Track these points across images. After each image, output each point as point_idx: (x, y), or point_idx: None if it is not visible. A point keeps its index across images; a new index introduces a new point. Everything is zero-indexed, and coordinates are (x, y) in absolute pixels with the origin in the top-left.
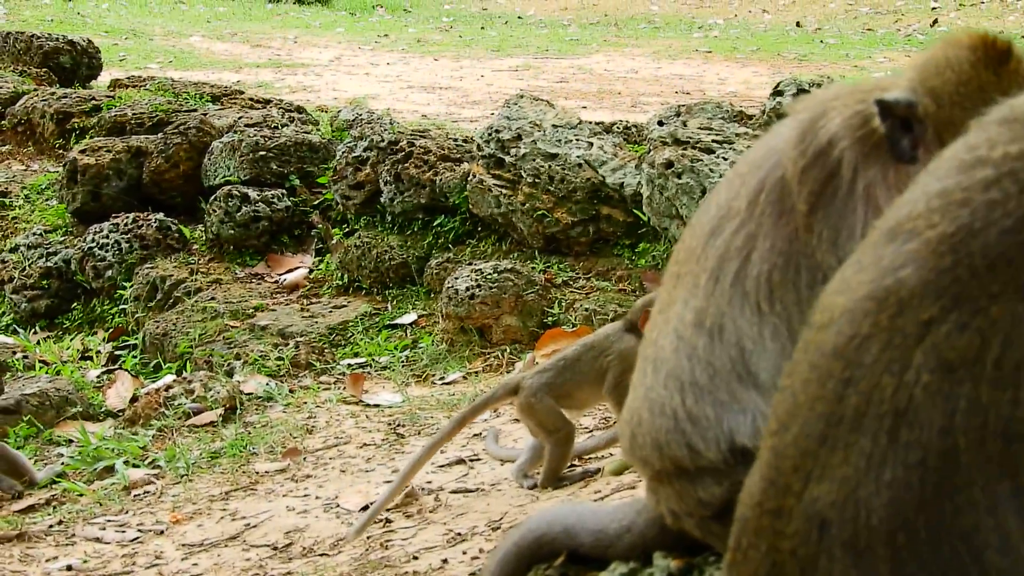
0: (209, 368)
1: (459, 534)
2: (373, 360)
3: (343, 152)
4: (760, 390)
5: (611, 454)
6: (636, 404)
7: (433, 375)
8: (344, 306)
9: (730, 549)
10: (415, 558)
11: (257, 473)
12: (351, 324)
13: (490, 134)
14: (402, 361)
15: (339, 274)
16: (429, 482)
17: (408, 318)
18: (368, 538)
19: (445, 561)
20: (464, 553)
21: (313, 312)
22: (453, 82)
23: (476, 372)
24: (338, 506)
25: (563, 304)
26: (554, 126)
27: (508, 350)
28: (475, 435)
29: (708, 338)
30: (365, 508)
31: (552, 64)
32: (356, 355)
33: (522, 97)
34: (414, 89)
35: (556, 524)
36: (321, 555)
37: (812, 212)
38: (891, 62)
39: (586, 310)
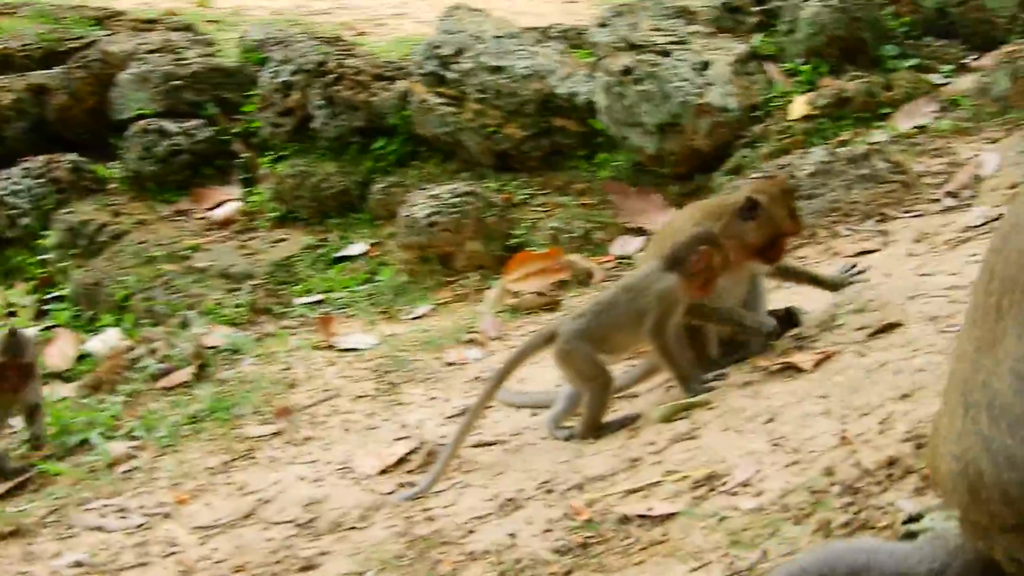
0: (151, 317)
1: (509, 499)
2: (329, 297)
3: (268, 78)
4: None
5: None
6: (971, 455)
7: (400, 310)
8: (284, 240)
9: None
10: (471, 532)
11: (250, 438)
12: (296, 259)
13: (430, 50)
14: (363, 296)
15: (273, 205)
16: (443, 437)
17: (357, 248)
18: (397, 507)
19: (513, 536)
20: (529, 524)
21: (253, 248)
22: None
23: (445, 303)
24: (353, 471)
25: (526, 224)
26: (495, 37)
27: (474, 277)
28: (475, 378)
29: None
30: (384, 472)
31: None
32: (309, 292)
33: (458, 8)
34: None
35: (840, 565)
36: (351, 529)
37: None
38: None
39: (552, 229)
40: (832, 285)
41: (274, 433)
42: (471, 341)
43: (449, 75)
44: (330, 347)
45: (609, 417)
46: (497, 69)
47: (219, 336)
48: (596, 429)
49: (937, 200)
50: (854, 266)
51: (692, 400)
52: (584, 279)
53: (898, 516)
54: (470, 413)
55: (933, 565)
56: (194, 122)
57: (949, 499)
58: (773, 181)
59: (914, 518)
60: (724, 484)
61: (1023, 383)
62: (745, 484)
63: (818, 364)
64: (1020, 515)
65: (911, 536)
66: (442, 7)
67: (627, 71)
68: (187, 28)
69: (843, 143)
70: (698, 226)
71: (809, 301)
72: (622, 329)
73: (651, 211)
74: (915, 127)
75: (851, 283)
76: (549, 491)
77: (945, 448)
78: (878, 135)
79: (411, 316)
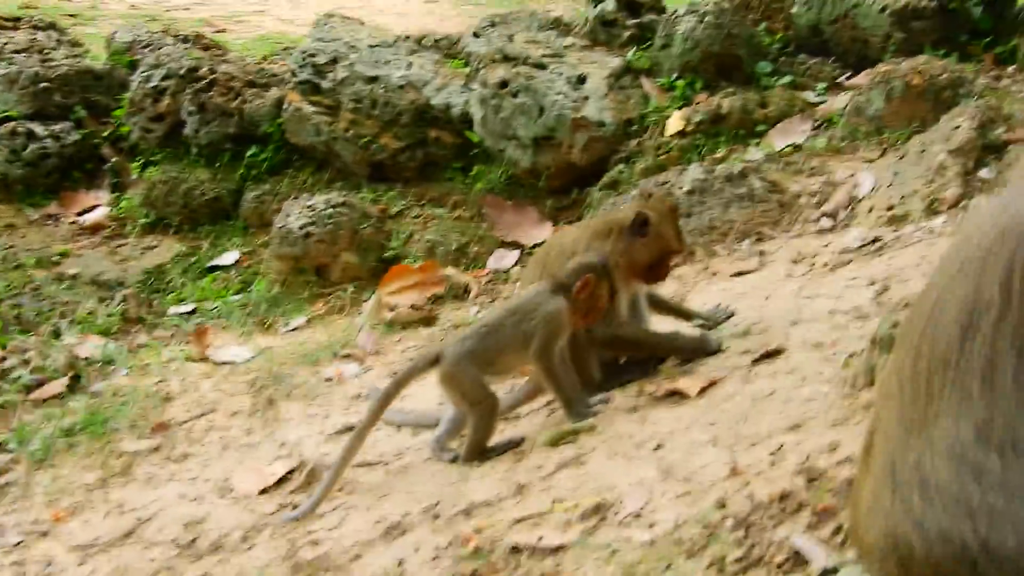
0: (20, 324)
1: (395, 523)
2: (203, 307)
3: (139, 82)
4: None
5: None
6: (900, 530)
7: (275, 321)
8: (155, 247)
9: None
10: (358, 557)
11: (127, 453)
12: (168, 267)
13: (304, 59)
14: (237, 307)
15: (144, 211)
16: (325, 455)
17: (229, 257)
18: (280, 528)
19: (401, 563)
20: (416, 550)
21: (124, 255)
22: None
23: (320, 315)
24: (233, 490)
25: (402, 236)
26: (370, 46)
27: (350, 289)
28: (355, 395)
29: (999, 455)
30: (264, 491)
31: None
32: (182, 301)
33: (332, 17)
34: None
35: None
36: (233, 551)
37: None
38: None
39: (427, 241)
40: (703, 323)
41: (152, 449)
42: (348, 356)
43: (324, 84)
44: (205, 359)
45: (494, 440)
46: (372, 79)
47: (92, 346)
48: (481, 452)
49: (814, 220)
50: (727, 308)
51: (578, 425)
52: (461, 293)
53: (791, 551)
54: (355, 436)
55: None
56: (63, 125)
57: (873, 565)
58: (660, 199)
59: (830, 571)
60: (615, 514)
61: (961, 465)
62: (636, 515)
63: (704, 390)
64: None
65: None
66: (303, 5)
67: (503, 84)
68: (52, 27)
69: (719, 160)
70: (589, 252)
71: (685, 326)
72: (508, 351)
73: (527, 225)
74: (790, 145)
75: (721, 322)
76: (435, 516)
77: (871, 520)
78: (754, 153)
79: (287, 328)
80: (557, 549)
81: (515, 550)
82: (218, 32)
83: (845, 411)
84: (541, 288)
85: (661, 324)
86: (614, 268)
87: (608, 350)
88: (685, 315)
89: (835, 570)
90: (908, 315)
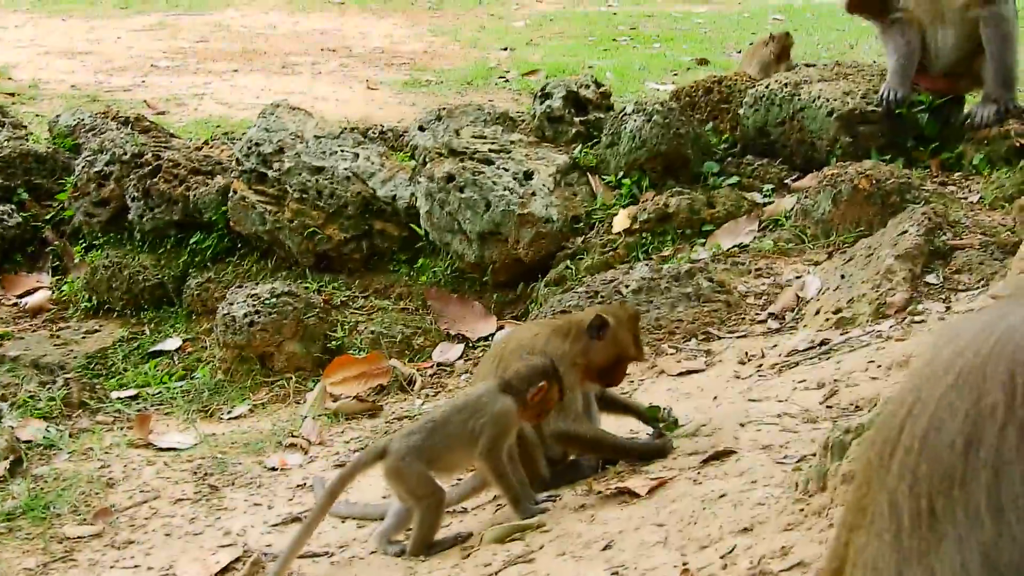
0: None
1: None
2: (145, 392)
3: (83, 167)
4: None
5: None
6: None
7: (218, 409)
8: (97, 331)
9: None
10: None
11: (69, 539)
12: (110, 351)
13: (250, 148)
14: (179, 393)
15: (87, 295)
16: (269, 545)
17: (172, 343)
18: None
19: None
20: None
21: (65, 339)
22: (91, 45)
23: (263, 404)
24: None
25: (346, 327)
26: (316, 137)
27: (293, 378)
28: (299, 486)
29: None
30: None
31: (187, 21)
32: (124, 386)
33: (278, 107)
34: (52, 55)
35: None
36: None
37: None
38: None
39: (372, 332)
40: (652, 421)
41: (94, 535)
42: (292, 445)
43: (270, 173)
44: (148, 445)
45: (441, 534)
46: (318, 169)
47: (33, 430)
48: (428, 546)
49: (761, 321)
50: (670, 412)
51: (526, 523)
52: (405, 385)
53: None
54: (303, 529)
55: None
56: (5, 207)
57: None
58: (623, 306)
59: None
60: None
61: None
62: None
63: (653, 491)
64: None
65: None
66: (243, 88)
67: (450, 178)
68: None
69: (665, 259)
70: (537, 356)
71: (628, 423)
72: (455, 448)
73: (472, 319)
74: (737, 246)
75: (670, 421)
76: None
77: None
78: (701, 252)
79: (229, 416)
80: None
81: None
82: (159, 114)
83: (797, 515)
84: (490, 386)
85: (609, 423)
86: (571, 367)
87: (561, 445)
88: (637, 414)
89: None
90: (886, 438)
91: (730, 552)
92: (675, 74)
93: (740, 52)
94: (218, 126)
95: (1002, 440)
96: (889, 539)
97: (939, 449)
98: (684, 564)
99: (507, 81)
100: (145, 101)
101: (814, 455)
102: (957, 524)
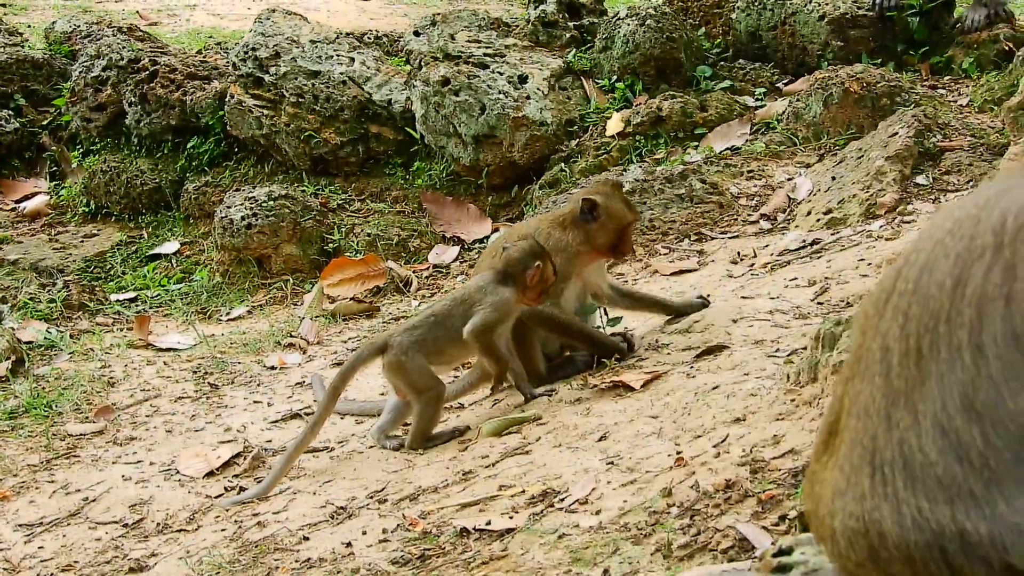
0: None
1: (341, 508)
2: (144, 295)
3: (80, 72)
4: None
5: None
6: (875, 515)
7: (216, 311)
8: (96, 235)
9: None
10: (306, 539)
11: (71, 436)
12: (109, 255)
13: (246, 52)
14: (178, 295)
15: (85, 200)
16: (269, 441)
17: (170, 247)
18: (226, 510)
19: (349, 545)
20: (364, 533)
21: (63, 243)
22: None
23: (261, 305)
24: (178, 473)
25: (343, 229)
26: (312, 42)
27: (291, 280)
28: (298, 384)
29: (979, 427)
30: (210, 474)
31: None
32: (124, 289)
33: (274, 11)
34: None
35: None
36: (180, 531)
37: None
38: None
39: (368, 235)
40: (676, 310)
41: (96, 432)
42: (291, 345)
43: (266, 78)
44: (147, 346)
45: (439, 428)
46: (314, 73)
47: (34, 331)
48: (426, 440)
49: (753, 222)
50: (700, 296)
51: (522, 416)
52: (401, 286)
53: (736, 538)
54: (308, 427)
55: None
56: (1, 113)
57: (835, 549)
58: (602, 181)
59: (784, 551)
60: (562, 501)
61: (946, 439)
62: (583, 502)
63: (647, 384)
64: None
65: (783, 570)
66: (232, 1)
67: (445, 81)
68: None
69: (659, 161)
70: (526, 239)
71: (630, 320)
72: (456, 340)
73: (467, 221)
74: (729, 148)
75: (697, 309)
76: (382, 500)
77: (839, 503)
78: (693, 155)
79: (228, 317)
80: (505, 533)
81: (463, 532)
82: (151, 25)
83: (788, 405)
84: (487, 276)
85: (633, 320)
86: (574, 256)
87: (534, 325)
88: (660, 307)
89: (789, 551)
90: (883, 288)
91: (723, 441)
92: None
93: None
94: (211, 36)
95: (987, 280)
96: (880, 382)
97: (929, 289)
98: (678, 453)
99: None
100: (137, 12)
101: (805, 348)
102: (940, 362)
